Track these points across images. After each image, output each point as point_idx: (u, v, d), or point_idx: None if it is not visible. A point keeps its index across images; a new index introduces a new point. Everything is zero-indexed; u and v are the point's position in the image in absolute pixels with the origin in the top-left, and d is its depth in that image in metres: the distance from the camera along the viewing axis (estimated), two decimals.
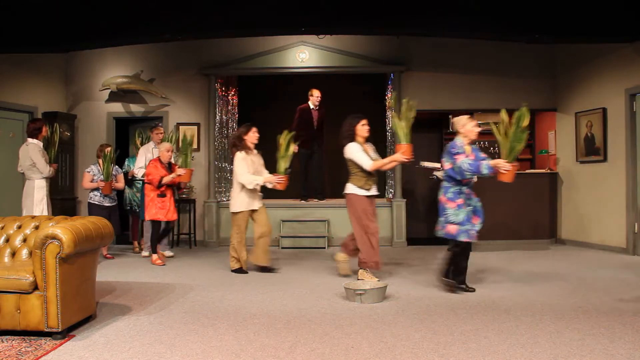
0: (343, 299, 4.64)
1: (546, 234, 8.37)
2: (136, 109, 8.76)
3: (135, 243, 7.73)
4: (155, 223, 6.63)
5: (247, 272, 5.93)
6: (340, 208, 8.39)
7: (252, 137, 6.05)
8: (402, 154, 5.25)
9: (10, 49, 7.06)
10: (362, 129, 5.50)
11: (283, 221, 8.21)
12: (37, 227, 4.23)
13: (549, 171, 8.57)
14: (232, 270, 6.01)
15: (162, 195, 6.57)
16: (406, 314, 4.11)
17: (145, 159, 7.19)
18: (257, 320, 3.98)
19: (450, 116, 9.33)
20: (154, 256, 6.61)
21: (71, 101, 8.79)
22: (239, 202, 5.90)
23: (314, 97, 8.38)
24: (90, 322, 3.92)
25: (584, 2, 6.12)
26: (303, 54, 8.56)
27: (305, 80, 8.86)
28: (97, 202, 7.04)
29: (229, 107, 9.16)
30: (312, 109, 8.41)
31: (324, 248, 8.00)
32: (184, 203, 8.44)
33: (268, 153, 9.04)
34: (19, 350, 3.29)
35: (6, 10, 5.89)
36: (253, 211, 5.98)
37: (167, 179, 6.56)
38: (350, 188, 5.49)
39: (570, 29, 6.75)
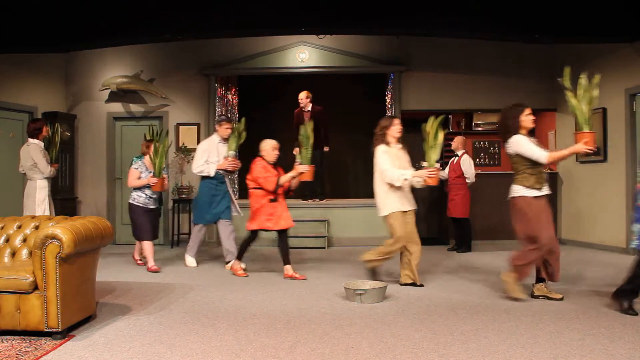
0: (343, 299, 4.64)
1: None
2: (136, 109, 8.76)
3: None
4: (254, 232, 5.71)
5: (421, 286, 5.09)
6: (340, 208, 8.41)
7: (394, 130, 5.26)
8: (584, 143, 4.38)
9: (10, 49, 7.06)
10: (527, 119, 4.73)
11: None
12: (37, 227, 4.22)
13: (549, 171, 8.57)
14: (403, 284, 5.11)
15: (274, 200, 5.62)
16: (406, 314, 4.11)
17: (208, 156, 6.27)
18: (257, 320, 3.98)
19: (450, 116, 9.36)
20: (237, 265, 5.84)
21: (71, 101, 8.79)
22: (389, 202, 5.08)
23: (300, 100, 8.33)
24: (90, 322, 3.92)
25: (584, 2, 6.12)
26: (303, 54, 8.56)
27: (305, 80, 8.87)
28: (141, 204, 6.16)
29: (229, 107, 9.16)
30: (304, 111, 8.39)
31: (324, 248, 8.00)
32: (183, 203, 8.43)
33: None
34: (19, 350, 3.29)
35: (6, 10, 5.89)
36: (404, 213, 5.14)
37: (285, 179, 5.61)
38: (518, 190, 4.59)
39: (570, 29, 6.76)
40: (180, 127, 8.65)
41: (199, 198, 6.37)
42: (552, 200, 8.38)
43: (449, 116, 9.36)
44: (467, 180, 7.46)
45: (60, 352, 3.26)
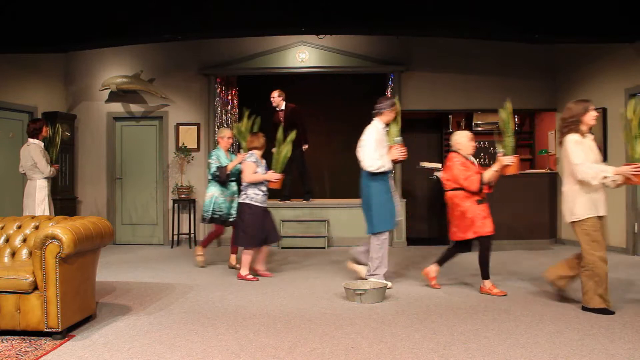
0: (343, 299, 4.64)
1: (546, 234, 8.38)
2: (136, 109, 8.76)
3: (234, 257, 6.29)
4: (465, 243, 4.94)
5: (614, 313, 4.06)
6: (340, 208, 8.40)
7: (590, 117, 4.49)
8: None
9: (10, 49, 7.06)
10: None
11: (283, 221, 8.20)
12: (37, 227, 4.22)
13: (549, 171, 8.58)
14: (591, 309, 4.07)
15: (482, 201, 4.82)
16: (406, 314, 4.11)
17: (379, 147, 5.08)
18: (257, 320, 3.97)
19: (450, 116, 9.36)
20: (488, 284, 4.80)
21: (71, 101, 8.79)
22: (582, 204, 4.13)
23: (273, 99, 8.14)
24: (90, 322, 3.92)
25: (584, 2, 6.12)
26: (303, 54, 8.56)
27: (305, 80, 8.87)
28: (258, 203, 5.47)
29: (229, 107, 9.16)
30: (278, 111, 8.27)
31: (324, 248, 8.00)
32: (183, 203, 8.44)
33: (268, 152, 9.08)
34: (19, 350, 3.29)
35: (6, 10, 5.89)
36: (599, 219, 4.14)
37: (489, 175, 4.73)
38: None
39: (570, 29, 6.75)
40: (180, 127, 8.65)
41: (373, 200, 5.06)
42: (552, 200, 8.42)
43: (449, 116, 9.36)
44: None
45: (60, 352, 3.26)
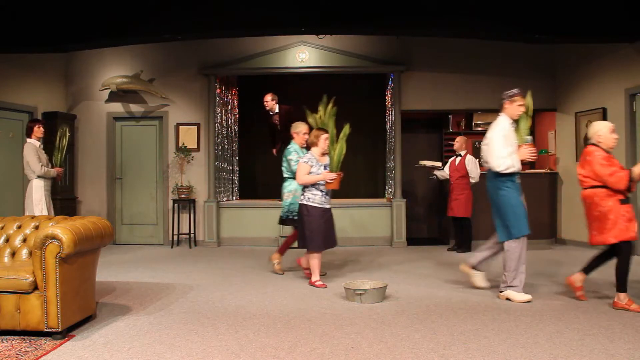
0: (343, 299, 4.64)
1: (546, 234, 8.38)
2: (136, 109, 8.76)
3: (277, 256, 6.00)
4: (614, 247, 4.35)
5: None
6: (340, 208, 8.40)
7: None
8: None
9: (10, 49, 7.06)
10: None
11: None
12: (37, 227, 4.23)
13: (549, 171, 8.58)
14: None
15: (626, 201, 4.30)
16: (406, 314, 4.11)
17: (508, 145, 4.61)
18: (257, 320, 3.98)
19: (450, 116, 9.36)
20: (624, 298, 4.23)
21: (71, 101, 8.79)
22: None
23: (266, 103, 8.01)
24: (90, 322, 3.92)
25: (584, 2, 6.12)
26: (303, 54, 8.56)
27: (305, 80, 8.86)
28: (317, 204, 5.16)
29: (229, 107, 9.16)
30: (271, 114, 8.20)
31: None
32: (183, 203, 8.44)
33: (268, 152, 9.09)
34: (19, 350, 3.29)
35: (6, 10, 5.89)
36: None
37: (638, 170, 4.23)
38: None
39: (570, 29, 6.75)
40: (180, 127, 8.65)
41: (504, 203, 4.65)
42: (552, 200, 8.43)
43: (449, 116, 9.36)
44: (472, 180, 7.46)
45: (60, 352, 3.26)
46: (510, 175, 4.60)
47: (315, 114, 5.41)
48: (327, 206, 5.24)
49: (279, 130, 8.33)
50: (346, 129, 5.23)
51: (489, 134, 4.71)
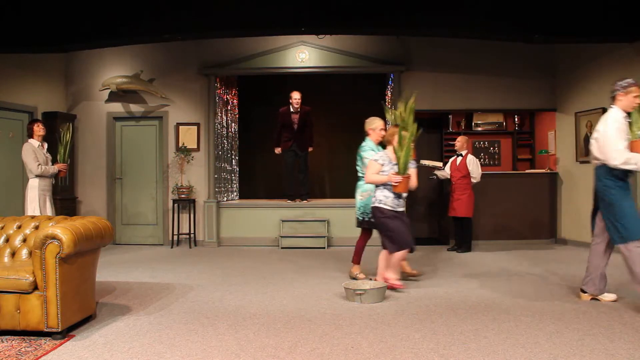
0: (343, 299, 4.64)
1: (546, 234, 8.39)
2: (136, 109, 8.76)
3: (356, 268, 5.67)
4: None
5: None
6: (340, 208, 8.41)
7: None
8: None
9: (10, 49, 7.06)
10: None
11: (283, 221, 8.21)
12: (36, 227, 4.23)
13: (549, 171, 8.58)
14: None
15: None
16: (406, 314, 4.11)
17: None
18: (257, 320, 3.98)
19: (450, 116, 9.35)
20: None
21: (71, 101, 8.79)
22: None
23: (293, 100, 8.33)
24: (90, 322, 3.92)
25: (583, 2, 6.12)
26: (303, 54, 8.56)
27: (305, 80, 8.86)
28: (389, 206, 4.85)
29: (229, 107, 9.16)
30: (292, 112, 8.38)
31: (324, 248, 7.99)
32: (183, 203, 8.44)
33: (268, 152, 9.09)
34: (19, 350, 3.29)
35: (6, 10, 5.89)
36: None
37: None
38: None
39: (570, 29, 6.75)
40: (180, 127, 8.65)
41: (618, 203, 4.25)
42: (552, 200, 8.42)
43: (449, 116, 9.36)
44: (473, 180, 7.46)
45: (60, 352, 3.26)
46: (624, 172, 4.25)
47: (394, 110, 5.02)
48: (401, 209, 4.89)
49: (294, 130, 8.37)
50: (413, 129, 4.76)
51: (600, 127, 4.32)
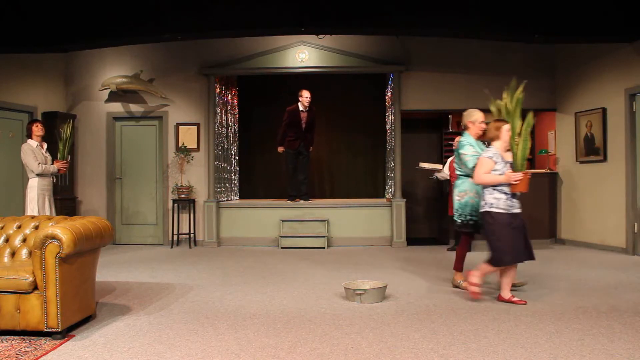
0: (343, 299, 4.64)
1: (546, 234, 8.38)
2: (136, 109, 8.77)
3: (459, 276, 5.05)
4: None
5: None
6: (340, 208, 8.41)
7: None
8: None
9: (10, 49, 7.06)
10: None
11: (283, 221, 8.21)
12: (36, 227, 4.22)
13: (549, 171, 8.58)
14: None
15: None
16: (406, 314, 4.11)
17: None
18: (257, 320, 3.97)
19: (450, 116, 9.36)
20: None
21: (71, 101, 8.79)
22: None
23: (304, 98, 8.34)
24: (90, 322, 3.92)
25: (583, 2, 6.12)
26: (303, 54, 8.56)
27: (305, 80, 8.87)
28: (502, 209, 4.33)
29: (229, 107, 9.16)
30: (301, 110, 8.40)
31: (324, 248, 8.00)
32: (183, 203, 8.44)
33: (268, 152, 9.09)
34: (19, 350, 3.29)
35: (6, 10, 5.89)
36: None
37: None
38: None
39: (570, 29, 6.75)
40: (180, 127, 8.65)
41: None
42: (552, 200, 8.42)
43: (449, 116, 9.36)
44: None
45: (60, 352, 3.26)
46: None
47: (499, 101, 4.53)
48: (516, 211, 4.37)
49: (302, 129, 8.37)
50: (530, 119, 4.35)
51: None
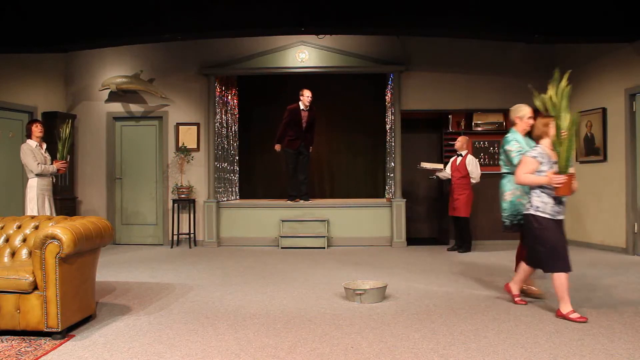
0: (343, 299, 4.64)
1: None
2: (136, 109, 8.77)
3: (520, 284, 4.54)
4: None
5: None
6: (340, 208, 8.41)
7: None
8: None
9: (10, 49, 7.07)
10: None
11: (283, 221, 8.21)
12: (36, 227, 4.22)
13: None
14: None
15: None
16: (406, 314, 4.11)
17: None
18: (257, 320, 3.97)
19: (450, 116, 9.35)
20: None
21: (71, 101, 8.79)
22: None
23: (305, 97, 8.33)
24: (90, 322, 3.92)
25: (583, 2, 6.12)
26: (303, 54, 8.56)
27: (305, 80, 8.87)
28: (549, 215, 4.03)
29: (229, 107, 9.16)
30: (302, 109, 8.39)
31: (324, 248, 7.99)
32: (183, 203, 8.44)
33: (268, 152, 9.09)
34: (19, 350, 3.29)
35: (6, 10, 5.89)
36: None
37: None
38: None
39: (570, 29, 6.76)
40: (180, 127, 8.65)
41: None
42: None
43: (449, 116, 9.36)
44: (473, 181, 7.45)
45: (60, 352, 3.26)
46: None
47: (543, 94, 4.19)
48: (561, 217, 4.06)
49: (302, 128, 8.37)
50: (576, 117, 4.01)
51: None
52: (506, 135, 4.72)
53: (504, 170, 4.74)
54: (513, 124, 4.78)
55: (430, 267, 6.26)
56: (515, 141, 4.59)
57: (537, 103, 4.31)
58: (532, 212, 4.08)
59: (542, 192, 4.03)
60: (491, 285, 5.17)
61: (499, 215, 4.78)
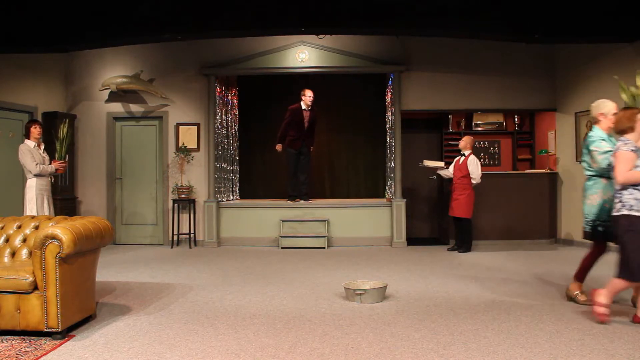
0: (343, 299, 4.64)
1: (546, 234, 8.38)
2: (136, 109, 8.77)
3: (576, 286, 4.53)
4: None
5: None
6: (340, 208, 8.41)
7: None
8: None
9: (10, 49, 7.06)
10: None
11: (283, 221, 8.21)
12: (36, 227, 4.23)
13: (549, 171, 8.58)
14: None
15: None
16: (406, 314, 4.11)
17: None
18: (257, 320, 3.98)
19: (450, 116, 9.36)
20: None
21: (71, 101, 8.79)
22: None
23: (307, 97, 8.33)
24: (90, 322, 3.92)
25: (584, 2, 6.12)
26: (303, 54, 8.56)
27: (305, 80, 8.87)
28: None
29: (229, 107, 9.16)
30: (304, 109, 8.39)
31: (324, 248, 7.99)
32: (183, 203, 8.44)
33: (269, 152, 9.10)
34: (19, 350, 3.29)
35: (6, 10, 5.89)
36: None
37: None
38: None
39: (570, 29, 6.76)
40: (180, 127, 8.65)
41: None
42: (552, 200, 8.42)
43: (449, 116, 9.36)
44: (473, 181, 7.45)
45: (60, 352, 3.26)
46: None
47: (631, 87, 3.97)
48: None
49: (304, 128, 8.37)
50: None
51: None
52: (589, 135, 4.35)
53: (587, 172, 4.39)
54: (596, 121, 4.42)
55: (430, 267, 6.26)
56: (601, 140, 4.25)
57: (624, 95, 4.05)
58: (625, 212, 3.73)
59: (635, 188, 3.70)
60: (491, 285, 5.17)
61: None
